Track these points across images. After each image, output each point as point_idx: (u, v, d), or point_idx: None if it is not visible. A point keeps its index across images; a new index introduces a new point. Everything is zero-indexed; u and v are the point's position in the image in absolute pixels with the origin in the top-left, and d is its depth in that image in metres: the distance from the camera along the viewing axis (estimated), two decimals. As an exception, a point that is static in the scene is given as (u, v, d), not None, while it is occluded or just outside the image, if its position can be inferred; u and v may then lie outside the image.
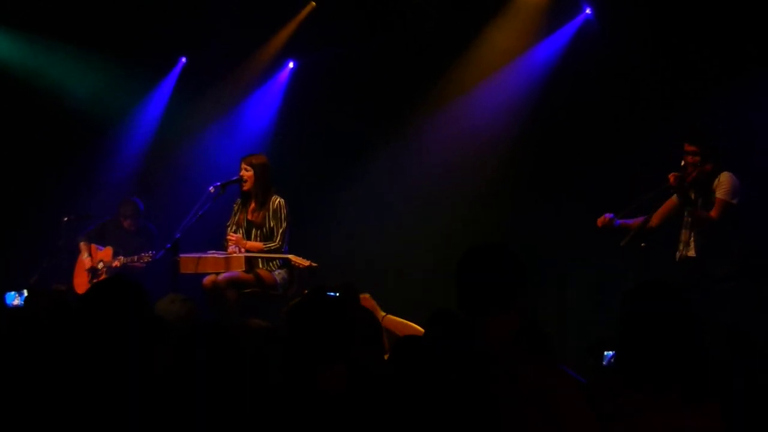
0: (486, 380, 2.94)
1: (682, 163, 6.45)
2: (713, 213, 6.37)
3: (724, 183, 6.40)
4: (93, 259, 8.69)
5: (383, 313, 5.43)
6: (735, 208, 6.38)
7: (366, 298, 5.61)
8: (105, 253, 8.61)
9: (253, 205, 7.50)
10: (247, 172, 7.46)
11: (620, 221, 6.57)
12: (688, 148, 6.45)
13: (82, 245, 8.75)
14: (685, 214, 6.56)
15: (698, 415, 2.96)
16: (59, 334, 3.13)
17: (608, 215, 6.57)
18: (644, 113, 7.94)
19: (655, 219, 6.60)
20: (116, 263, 8.42)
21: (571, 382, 3.00)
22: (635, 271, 7.15)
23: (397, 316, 5.61)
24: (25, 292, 5.56)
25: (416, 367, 3.21)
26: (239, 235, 7.40)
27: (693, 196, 6.50)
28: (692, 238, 6.54)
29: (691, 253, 6.53)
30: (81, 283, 8.67)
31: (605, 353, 4.07)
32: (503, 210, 8.62)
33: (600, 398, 3.09)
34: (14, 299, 5.60)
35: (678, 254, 6.61)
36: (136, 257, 8.21)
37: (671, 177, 6.40)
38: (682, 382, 3.00)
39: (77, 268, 8.76)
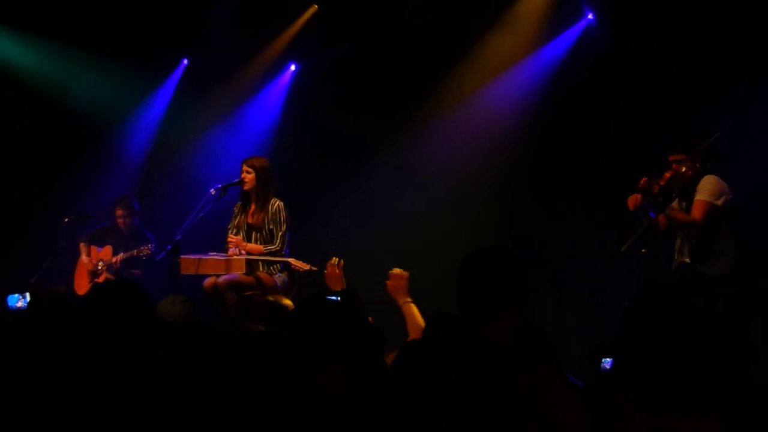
0: (484, 382, 2.95)
1: (667, 174, 6.42)
2: (695, 214, 6.35)
3: (705, 185, 6.37)
4: (92, 260, 8.71)
5: (408, 299, 5.20)
6: (720, 209, 6.35)
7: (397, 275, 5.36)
8: (104, 253, 8.64)
9: (253, 207, 7.50)
10: (248, 175, 7.46)
11: (647, 204, 6.46)
12: (672, 157, 6.44)
13: (82, 246, 8.77)
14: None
15: (698, 417, 2.97)
16: (61, 337, 3.14)
17: (638, 195, 6.44)
18: (645, 117, 7.96)
19: (662, 222, 6.58)
20: (116, 259, 8.46)
21: (568, 385, 3.02)
22: (635, 276, 7.17)
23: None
24: (28, 295, 5.55)
25: (415, 369, 3.22)
26: (239, 237, 7.41)
27: (662, 200, 6.42)
28: (684, 243, 6.54)
29: (686, 258, 6.53)
30: (81, 285, 8.69)
31: (603, 359, 4.08)
32: (504, 213, 8.63)
33: (600, 400, 3.10)
34: (17, 301, 5.59)
35: (674, 262, 6.61)
36: (135, 251, 8.26)
37: (642, 181, 6.38)
38: (682, 385, 3.02)
39: (78, 269, 8.79)
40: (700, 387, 3.01)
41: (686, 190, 6.44)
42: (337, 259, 5.56)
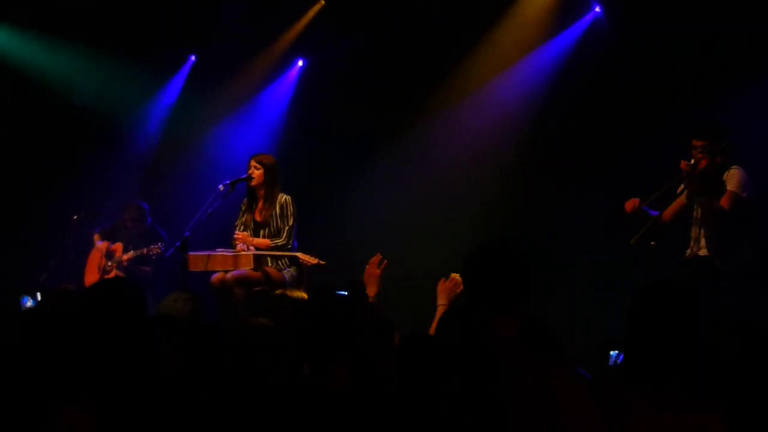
0: (491, 379, 2.95)
1: (692, 161, 6.42)
2: (724, 204, 6.33)
3: (734, 176, 6.35)
4: (103, 253, 8.70)
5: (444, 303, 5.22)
6: (745, 202, 6.34)
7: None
8: (114, 248, 8.66)
9: (260, 204, 7.49)
10: (257, 171, 7.45)
11: (646, 207, 6.51)
12: (696, 143, 6.42)
13: (96, 237, 8.79)
14: (695, 208, 6.53)
15: (703, 415, 2.96)
16: (66, 334, 3.15)
17: (636, 200, 6.49)
18: (654, 110, 7.94)
19: (667, 215, 6.56)
20: (126, 257, 8.47)
21: (578, 380, 3.01)
22: (644, 270, 7.15)
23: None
24: (39, 295, 5.58)
25: (421, 365, 3.23)
26: (246, 233, 7.40)
27: (695, 186, 6.45)
28: (702, 235, 6.51)
29: (703, 252, 6.49)
30: (92, 280, 8.70)
31: (611, 353, 4.07)
32: (512, 206, 8.63)
33: (606, 397, 3.10)
34: (27, 301, 5.64)
35: (689, 251, 6.57)
36: (145, 249, 8.26)
37: (683, 164, 6.37)
38: (687, 382, 3.01)
39: (88, 264, 8.80)
40: (705, 385, 3.00)
41: (713, 179, 6.42)
42: (380, 257, 5.48)
